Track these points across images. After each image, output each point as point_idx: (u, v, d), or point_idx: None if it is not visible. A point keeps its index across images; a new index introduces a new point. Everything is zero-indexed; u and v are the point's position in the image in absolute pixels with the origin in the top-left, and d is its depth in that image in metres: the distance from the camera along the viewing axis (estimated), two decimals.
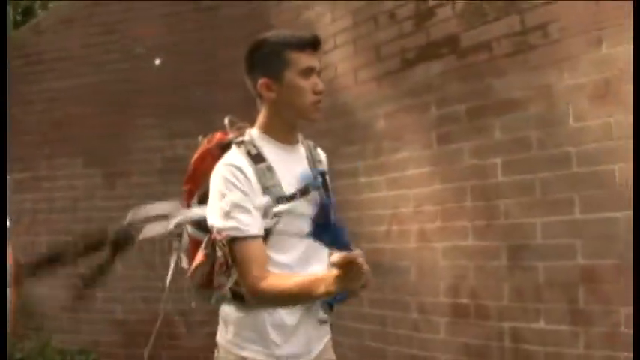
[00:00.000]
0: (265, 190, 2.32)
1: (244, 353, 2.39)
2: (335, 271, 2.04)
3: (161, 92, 6.65)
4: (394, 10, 4.74)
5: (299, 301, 2.33)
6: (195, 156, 2.55)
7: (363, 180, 4.86)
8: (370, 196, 4.89)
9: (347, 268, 1.99)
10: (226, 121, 2.51)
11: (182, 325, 6.37)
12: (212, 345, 6.39)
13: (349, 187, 4.89)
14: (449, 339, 4.36)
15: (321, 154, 2.63)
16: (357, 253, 2.00)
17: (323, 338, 2.52)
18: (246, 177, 2.30)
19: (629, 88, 3.40)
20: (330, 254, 2.23)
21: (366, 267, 1.99)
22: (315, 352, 2.48)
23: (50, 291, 6.83)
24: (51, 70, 7.09)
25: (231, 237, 2.27)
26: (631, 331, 3.37)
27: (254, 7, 6.34)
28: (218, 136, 2.53)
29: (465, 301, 4.26)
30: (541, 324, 3.83)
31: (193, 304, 2.57)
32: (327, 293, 2.12)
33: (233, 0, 6.54)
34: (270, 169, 2.35)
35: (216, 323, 6.13)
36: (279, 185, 2.34)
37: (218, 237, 2.30)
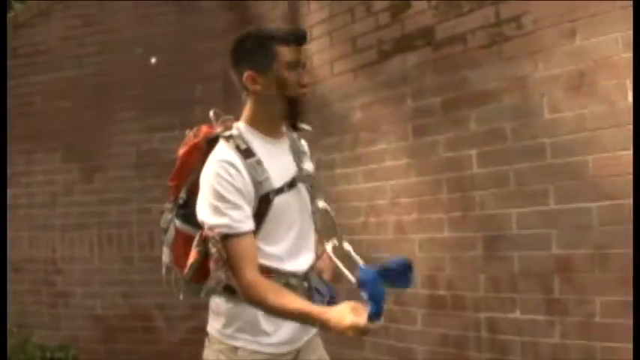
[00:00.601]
0: (256, 184, 2.35)
1: (236, 343, 2.43)
2: (328, 315, 2.11)
3: (138, 85, 6.62)
4: (370, 2, 4.75)
5: (281, 317, 2.36)
6: (182, 150, 2.53)
7: (339, 171, 4.87)
8: (347, 188, 4.90)
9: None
10: (211, 113, 2.51)
11: (161, 319, 6.37)
12: (194, 340, 6.41)
13: (326, 178, 4.87)
14: (426, 330, 4.39)
15: (306, 146, 2.68)
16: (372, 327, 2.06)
17: (311, 327, 2.54)
18: (238, 172, 2.33)
19: (603, 79, 3.45)
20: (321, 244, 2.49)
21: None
22: (304, 339, 2.54)
23: (30, 287, 6.85)
24: (28, 65, 7.03)
25: (223, 234, 2.30)
26: (606, 321, 3.45)
27: None
28: (204, 129, 2.52)
29: (441, 292, 4.28)
30: (517, 314, 3.86)
31: (181, 297, 2.58)
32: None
33: None
34: (259, 163, 2.38)
35: (197, 318, 6.14)
36: (269, 179, 2.38)
37: (210, 234, 2.32)
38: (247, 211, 2.33)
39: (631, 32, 3.32)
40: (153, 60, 6.49)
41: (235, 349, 2.42)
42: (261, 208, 2.38)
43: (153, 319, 6.44)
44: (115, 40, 6.77)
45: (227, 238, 2.30)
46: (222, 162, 2.34)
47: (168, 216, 2.58)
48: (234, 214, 2.31)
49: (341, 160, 4.92)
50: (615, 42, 3.41)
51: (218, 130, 2.46)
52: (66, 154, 6.86)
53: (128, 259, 6.55)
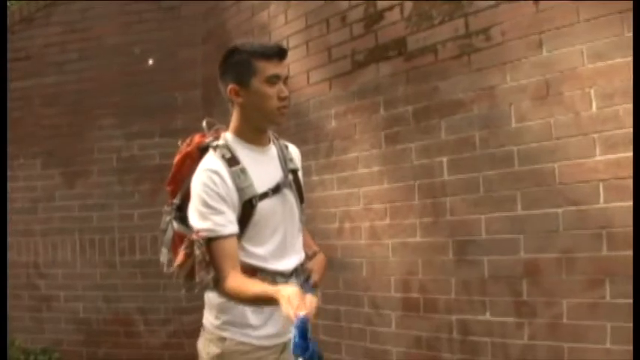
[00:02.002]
0: (240, 190, 2.52)
1: (224, 334, 2.62)
2: (282, 293, 2.22)
3: (119, 92, 6.66)
4: (345, 13, 4.82)
5: (250, 302, 2.50)
6: (176, 158, 2.71)
7: (315, 178, 4.93)
8: (322, 194, 4.96)
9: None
10: (204, 123, 2.68)
11: (142, 323, 6.43)
12: (175, 343, 6.49)
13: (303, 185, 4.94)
14: (400, 332, 4.46)
15: (294, 152, 2.84)
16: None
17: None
18: (222, 180, 2.50)
19: (568, 89, 3.56)
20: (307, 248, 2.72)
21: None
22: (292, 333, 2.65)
23: (13, 291, 6.87)
24: (10, 70, 7.02)
25: (207, 237, 2.47)
26: (573, 322, 3.55)
27: (212, 6, 6.40)
28: (197, 139, 2.70)
29: (414, 295, 4.36)
30: (487, 316, 3.96)
31: (184, 290, 2.71)
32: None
33: (192, 0, 6.59)
34: (243, 170, 2.55)
35: (177, 322, 6.22)
36: (252, 185, 2.55)
37: (195, 237, 2.49)
38: (230, 216, 2.49)
39: (595, 44, 3.46)
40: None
41: (223, 339, 2.61)
42: (246, 212, 2.54)
43: (134, 323, 6.49)
44: (97, 47, 6.81)
45: (210, 240, 2.48)
46: (207, 171, 2.52)
47: (166, 218, 2.75)
48: (217, 218, 2.48)
49: (316, 167, 4.99)
50: (580, 54, 3.52)
51: (209, 139, 2.64)
52: (47, 160, 6.90)
53: (110, 264, 6.59)
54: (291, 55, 5.17)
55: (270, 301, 2.34)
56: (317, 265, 2.84)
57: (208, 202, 2.48)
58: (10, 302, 6.80)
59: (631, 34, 3.32)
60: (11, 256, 6.93)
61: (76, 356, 6.65)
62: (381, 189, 4.58)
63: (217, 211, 2.48)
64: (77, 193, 6.75)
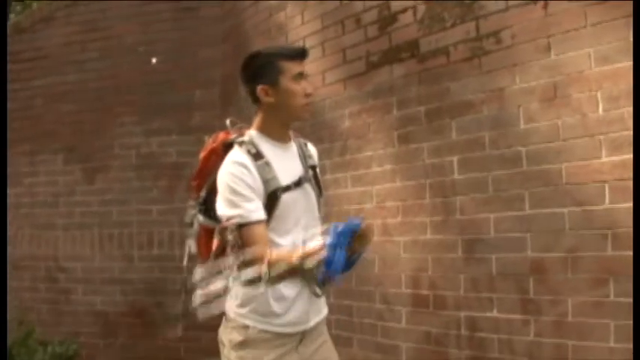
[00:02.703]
0: (265, 182, 2.67)
1: (247, 322, 2.73)
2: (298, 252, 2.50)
3: (138, 90, 6.80)
4: (360, 15, 4.90)
5: (279, 279, 2.63)
6: (202, 154, 2.87)
7: (329, 177, 4.99)
8: (336, 192, 5.02)
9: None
10: (228, 122, 2.85)
11: (159, 316, 6.54)
12: (190, 336, 6.57)
13: None
14: (410, 328, 4.53)
15: (312, 150, 2.97)
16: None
17: (319, 312, 2.87)
18: (249, 171, 2.65)
19: (576, 92, 3.62)
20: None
21: None
22: (313, 322, 2.83)
23: (32, 284, 7.00)
24: (31, 69, 7.21)
25: (238, 223, 2.61)
26: (578, 320, 3.61)
27: (230, 7, 6.51)
28: (221, 136, 2.86)
29: (424, 291, 4.43)
30: (494, 313, 4.02)
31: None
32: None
33: (211, 0, 6.69)
34: (268, 164, 2.70)
35: (193, 316, 6.31)
36: (276, 177, 2.69)
37: (227, 224, 2.64)
38: (258, 203, 2.65)
39: (602, 47, 3.52)
40: (154, 60, 6.65)
41: (247, 327, 2.72)
42: (270, 203, 2.68)
43: (151, 316, 6.61)
44: (117, 45, 6.95)
45: (241, 226, 2.62)
46: (235, 163, 2.67)
47: (192, 212, 2.90)
48: (247, 205, 2.62)
49: (331, 166, 5.06)
50: (587, 57, 3.58)
51: (233, 136, 2.80)
52: (68, 156, 7.05)
53: (128, 258, 6.73)
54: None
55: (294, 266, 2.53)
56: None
57: (238, 190, 2.63)
58: (29, 294, 6.98)
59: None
60: (31, 249, 7.10)
61: (93, 348, 6.78)
62: (394, 187, 4.66)
63: (246, 199, 2.62)
64: (97, 188, 6.89)
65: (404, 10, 4.58)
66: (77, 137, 6.99)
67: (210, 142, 2.87)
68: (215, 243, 2.76)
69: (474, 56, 4.15)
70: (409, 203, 4.55)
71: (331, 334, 3.01)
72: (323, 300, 2.89)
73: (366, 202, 4.86)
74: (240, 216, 2.62)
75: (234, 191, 2.63)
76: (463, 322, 4.20)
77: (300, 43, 5.34)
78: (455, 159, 4.25)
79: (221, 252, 2.73)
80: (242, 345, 2.73)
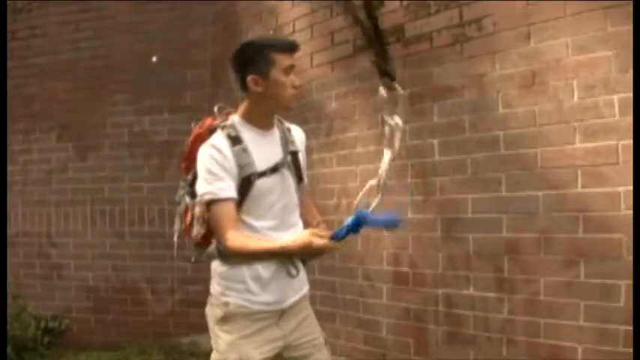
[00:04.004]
0: (240, 167, 2.79)
1: (227, 299, 2.89)
2: (296, 244, 2.67)
3: (131, 69, 6.85)
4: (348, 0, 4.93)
5: (261, 258, 2.82)
6: (190, 139, 2.98)
7: (315, 156, 5.08)
8: (322, 171, 5.13)
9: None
10: (216, 108, 2.95)
11: (149, 292, 6.65)
12: (180, 312, 6.66)
13: None
14: (391, 304, 4.65)
15: (296, 135, 3.06)
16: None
17: (299, 291, 3.00)
18: (223, 155, 2.78)
19: (553, 79, 3.72)
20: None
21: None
22: (291, 301, 2.96)
23: (26, 260, 7.09)
24: (26, 48, 7.27)
25: (208, 200, 2.77)
26: (549, 299, 3.73)
27: None
28: (208, 121, 2.97)
29: (404, 269, 4.55)
30: (471, 291, 4.14)
31: (193, 260, 3.04)
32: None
33: None
34: (245, 150, 2.81)
35: (183, 291, 6.40)
36: (252, 163, 2.82)
37: (198, 199, 2.81)
38: (229, 183, 2.77)
39: (579, 37, 3.63)
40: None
41: (227, 303, 2.88)
42: (244, 187, 2.80)
43: (141, 292, 6.72)
44: (110, 25, 6.99)
45: (211, 203, 2.77)
46: (212, 146, 2.79)
47: (181, 192, 3.05)
48: (219, 184, 2.75)
49: (317, 146, 5.14)
50: (565, 46, 3.69)
51: (218, 121, 2.92)
52: (61, 134, 7.11)
53: (119, 234, 6.82)
54: (295, 38, 5.31)
55: (283, 254, 2.73)
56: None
57: (211, 169, 2.76)
58: (22, 270, 7.04)
59: (614, 29, 3.49)
60: (25, 226, 7.18)
61: (85, 323, 6.89)
62: (377, 167, 4.69)
63: (219, 177, 2.76)
64: (89, 165, 6.96)
65: None
66: (70, 115, 7.05)
67: (197, 128, 2.98)
68: (188, 217, 2.91)
69: (456, 42, 4.24)
70: (391, 183, 4.61)
71: (315, 309, 3.12)
72: (302, 278, 3.00)
73: (350, 182, 4.95)
74: (210, 192, 2.76)
75: (208, 170, 2.77)
76: (441, 299, 4.32)
77: (290, 26, 5.42)
78: (436, 141, 4.35)
79: (190, 225, 2.90)
80: (224, 320, 2.88)
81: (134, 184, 6.76)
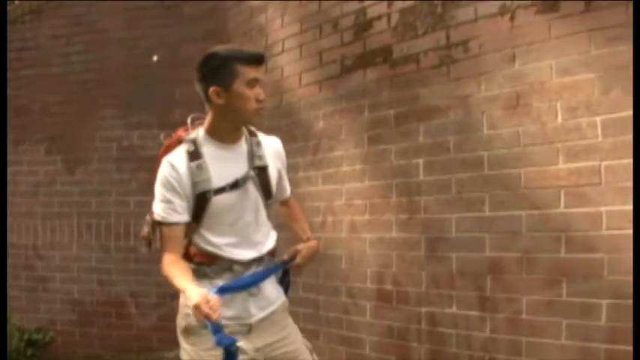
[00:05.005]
0: (195, 184, 2.75)
1: (189, 310, 2.73)
2: (189, 293, 2.53)
3: (122, 85, 6.88)
4: (337, 20, 5.02)
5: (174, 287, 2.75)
6: (161, 150, 2.91)
7: (302, 174, 5.12)
8: (308, 190, 5.14)
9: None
10: (189, 119, 2.87)
11: (134, 306, 6.65)
12: (164, 327, 6.65)
13: (290, 180, 5.05)
14: (374, 321, 4.66)
15: (267, 148, 2.92)
16: None
17: (267, 307, 2.90)
18: (177, 172, 2.75)
19: (536, 101, 3.77)
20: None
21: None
22: (257, 317, 2.87)
23: (11, 271, 7.07)
24: (18, 59, 7.27)
25: (157, 220, 2.78)
26: (531, 318, 3.75)
27: (213, 7, 6.62)
28: (179, 132, 2.90)
29: (388, 287, 4.56)
30: (453, 309, 4.15)
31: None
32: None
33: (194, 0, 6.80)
34: (201, 166, 2.75)
35: (167, 306, 6.35)
36: (209, 179, 2.75)
37: (148, 217, 2.84)
38: (178, 206, 2.75)
39: (563, 60, 3.67)
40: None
41: (189, 314, 2.75)
42: (200, 204, 2.76)
43: (126, 306, 6.72)
44: (102, 40, 7.03)
45: (159, 223, 2.78)
46: (166, 162, 2.77)
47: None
48: (166, 207, 2.74)
49: (303, 164, 5.17)
50: (549, 68, 3.73)
51: (187, 133, 2.85)
52: (50, 146, 7.12)
53: (105, 248, 6.82)
54: (284, 58, 5.47)
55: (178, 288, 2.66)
56: (306, 249, 3.00)
57: (161, 190, 2.76)
58: (8, 281, 7.02)
59: (597, 52, 3.54)
60: (11, 237, 7.11)
61: (69, 335, 6.87)
62: (362, 186, 4.77)
63: (166, 200, 2.74)
64: (77, 179, 6.97)
65: (379, 17, 4.70)
66: (60, 128, 7.07)
67: (169, 139, 2.93)
68: (144, 230, 2.93)
69: (442, 64, 4.27)
70: (376, 202, 4.67)
71: (298, 326, 3.11)
72: (271, 295, 2.93)
73: (335, 200, 4.97)
74: (159, 214, 2.77)
75: (159, 190, 2.77)
76: (424, 318, 4.33)
77: (279, 45, 5.47)
78: (421, 161, 4.37)
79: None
80: (187, 331, 2.83)
81: (121, 199, 6.78)
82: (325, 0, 5.15)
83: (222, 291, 2.66)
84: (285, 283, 3.05)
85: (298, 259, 2.96)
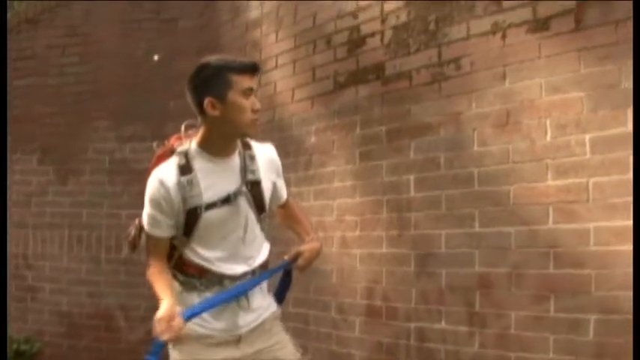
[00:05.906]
0: (184, 199, 2.71)
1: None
2: (161, 304, 2.57)
3: (115, 97, 6.91)
4: (330, 37, 5.05)
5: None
6: (153, 160, 2.87)
7: (293, 190, 5.04)
8: (300, 205, 5.12)
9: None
10: (183, 126, 2.80)
11: (123, 319, 6.64)
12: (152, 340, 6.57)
13: None
14: (363, 337, 4.66)
15: (261, 160, 2.85)
16: None
17: (257, 318, 2.88)
18: (165, 189, 2.71)
19: (526, 119, 3.80)
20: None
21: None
22: (246, 329, 2.85)
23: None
24: (13, 69, 7.20)
25: (145, 229, 2.80)
26: (520, 333, 3.76)
27: (208, 21, 6.65)
28: (172, 140, 2.85)
29: (378, 302, 4.56)
30: (442, 324, 4.16)
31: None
32: None
33: (190, 13, 6.83)
34: (191, 181, 2.69)
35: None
36: (199, 195, 2.70)
37: (138, 221, 2.86)
38: (163, 222, 2.74)
39: (553, 78, 3.70)
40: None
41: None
42: (191, 219, 2.72)
43: (115, 319, 6.71)
44: (97, 51, 7.06)
45: (147, 232, 2.80)
46: (155, 176, 2.73)
47: None
48: (152, 221, 2.75)
49: (295, 180, 5.17)
50: (539, 86, 3.76)
51: (180, 142, 2.80)
52: (43, 157, 7.13)
53: (95, 260, 6.81)
54: (278, 73, 5.49)
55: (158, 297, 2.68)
56: (308, 251, 2.95)
57: (148, 205, 2.75)
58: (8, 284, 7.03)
59: (587, 71, 3.57)
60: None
61: (57, 347, 6.84)
62: (354, 202, 4.79)
63: (152, 216, 2.74)
64: (69, 190, 6.98)
65: (372, 35, 4.73)
66: (53, 139, 7.08)
67: (162, 148, 2.87)
68: (132, 229, 2.94)
69: (434, 81, 4.30)
70: (367, 218, 4.68)
71: None
72: (262, 306, 2.91)
73: (326, 215, 4.99)
74: (146, 225, 2.78)
75: (146, 204, 2.76)
76: (413, 333, 4.33)
77: (273, 61, 5.50)
78: (412, 177, 4.39)
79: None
80: (177, 342, 2.77)
81: (112, 211, 6.78)
82: (319, 16, 5.18)
83: (192, 316, 2.68)
84: (285, 283, 3.04)
85: (300, 262, 2.93)
